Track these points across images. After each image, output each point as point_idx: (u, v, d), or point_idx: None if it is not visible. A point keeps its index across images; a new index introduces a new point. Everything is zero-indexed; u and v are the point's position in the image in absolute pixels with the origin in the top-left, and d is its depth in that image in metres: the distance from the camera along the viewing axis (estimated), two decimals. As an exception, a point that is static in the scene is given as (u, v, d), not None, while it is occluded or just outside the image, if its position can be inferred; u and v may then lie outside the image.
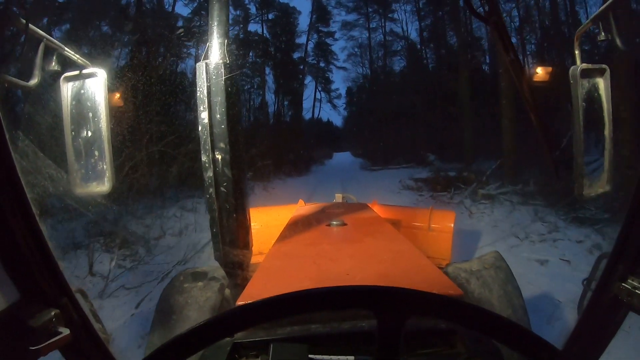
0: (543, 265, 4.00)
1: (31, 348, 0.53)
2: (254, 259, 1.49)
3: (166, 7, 13.43)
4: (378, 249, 1.43)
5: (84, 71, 0.86)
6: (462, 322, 0.48)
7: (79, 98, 0.87)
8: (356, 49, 24.46)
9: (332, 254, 1.34)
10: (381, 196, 5.13)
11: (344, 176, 14.26)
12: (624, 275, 0.70)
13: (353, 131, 28.12)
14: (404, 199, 8.24)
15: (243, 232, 1.30)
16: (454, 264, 1.60)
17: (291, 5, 22.53)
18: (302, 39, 23.50)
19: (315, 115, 26.60)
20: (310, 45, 24.21)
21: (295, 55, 23.32)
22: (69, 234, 4.49)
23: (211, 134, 1.19)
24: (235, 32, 19.34)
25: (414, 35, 21.89)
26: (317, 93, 25.58)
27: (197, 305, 1.33)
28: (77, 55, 0.84)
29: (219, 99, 1.20)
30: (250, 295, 0.94)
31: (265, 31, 21.69)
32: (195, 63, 1.27)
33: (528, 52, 14.79)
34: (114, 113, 0.93)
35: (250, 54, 20.26)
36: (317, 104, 25.74)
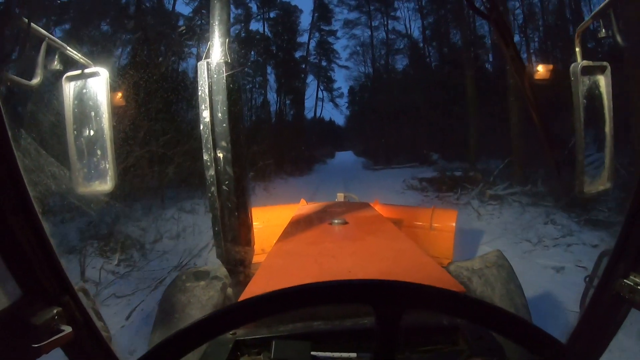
0: (559, 272, 3.77)
1: (33, 346, 0.53)
2: (257, 258, 1.49)
3: (166, 6, 13.46)
4: (380, 247, 1.43)
5: (86, 70, 0.86)
6: (461, 315, 0.48)
7: (81, 97, 0.87)
8: (358, 48, 24.44)
9: (334, 252, 1.34)
10: (385, 197, 4.94)
11: (346, 175, 14.18)
12: (626, 272, 0.70)
13: (355, 130, 28.09)
14: (408, 200, 8.04)
15: (245, 231, 1.30)
16: (456, 263, 1.60)
17: (293, 3, 22.57)
18: (303, 38, 23.52)
19: (318, 115, 26.59)
20: (312, 44, 24.21)
21: (297, 54, 23.35)
22: (63, 238, 4.40)
23: (213, 132, 1.20)
24: (237, 31, 19.36)
25: (416, 33, 21.81)
26: (319, 92, 25.59)
27: (200, 304, 1.33)
28: (79, 55, 0.84)
29: (221, 97, 1.20)
30: (252, 292, 0.95)
31: (266, 30, 21.71)
32: (197, 62, 1.28)
33: (532, 50, 14.72)
34: (116, 112, 0.94)
35: (252, 53, 20.28)
36: (319, 103, 25.74)
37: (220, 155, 1.20)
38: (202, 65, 1.22)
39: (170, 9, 13.51)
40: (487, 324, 0.46)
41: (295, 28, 22.88)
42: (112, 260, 4.25)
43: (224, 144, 1.20)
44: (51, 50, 0.75)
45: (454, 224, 2.53)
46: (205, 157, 1.21)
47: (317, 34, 24.29)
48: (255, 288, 1.00)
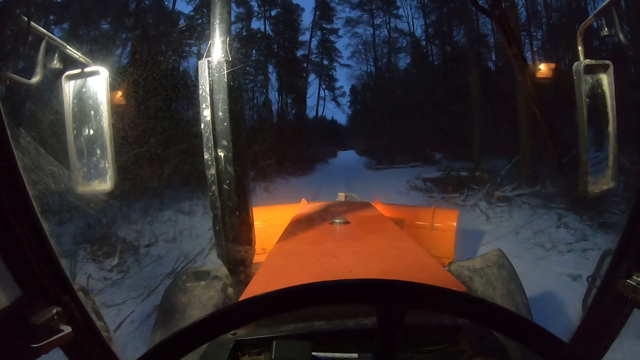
0: (576, 281, 3.53)
1: (33, 345, 0.53)
2: (258, 257, 1.49)
3: (166, 4, 13.43)
4: (381, 246, 1.42)
5: (86, 69, 0.86)
6: (464, 315, 0.47)
7: (80, 96, 0.87)
8: (360, 46, 24.36)
9: (335, 251, 1.34)
10: (388, 198, 4.74)
11: (349, 175, 14.08)
12: (629, 272, 0.69)
13: (357, 129, 28.04)
14: (413, 202, 7.77)
15: (246, 230, 1.30)
16: (457, 262, 1.59)
17: (294, 2, 22.42)
18: (305, 37, 23.47)
19: (319, 114, 26.53)
20: (314, 43, 24.14)
21: (299, 53, 23.30)
22: (55, 241, 4.22)
23: (213, 131, 1.19)
24: (238, 30, 19.33)
25: (419, 31, 21.67)
26: (321, 91, 25.54)
27: (200, 305, 1.33)
28: (79, 54, 0.84)
29: (221, 96, 1.19)
30: (252, 292, 0.94)
31: (268, 28, 21.67)
32: (197, 60, 1.27)
33: (535, 49, 14.60)
34: (116, 111, 0.93)
35: (253, 51, 20.26)
36: (321, 102, 25.67)
37: (221, 154, 1.20)
38: (202, 64, 1.21)
39: (170, 8, 13.48)
40: (490, 324, 0.46)
41: (296, 26, 22.82)
42: (104, 266, 4.12)
43: (224, 142, 1.19)
44: (51, 49, 0.75)
45: (455, 224, 2.53)
46: (206, 156, 1.21)
47: (318, 33, 24.25)
48: (256, 288, 0.99)
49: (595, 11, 0.75)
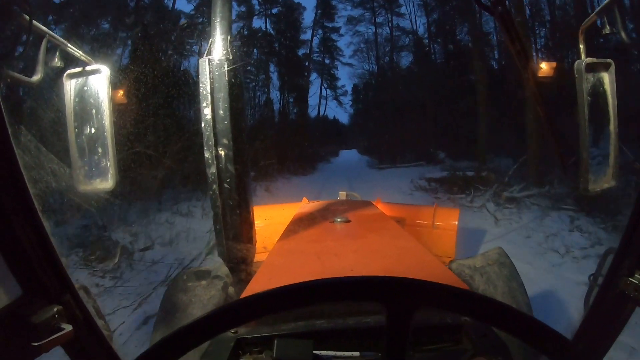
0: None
1: (33, 344, 0.53)
2: (259, 256, 1.49)
3: (166, 3, 13.40)
4: (382, 245, 1.43)
5: (87, 68, 0.86)
6: (471, 314, 0.47)
7: (82, 95, 0.87)
8: (362, 45, 24.30)
9: (336, 250, 1.34)
10: (393, 198, 4.58)
11: (351, 174, 14.01)
12: (631, 270, 0.69)
13: (359, 128, 28.02)
14: (418, 203, 7.45)
15: (247, 228, 1.30)
16: (458, 261, 1.59)
17: (295, 0, 22.42)
18: (306, 35, 23.43)
19: (321, 113, 26.55)
20: (315, 41, 24.11)
21: (300, 52, 23.27)
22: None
23: (214, 130, 1.19)
24: (239, 28, 19.30)
25: (421, 29, 21.61)
26: (323, 90, 25.53)
27: (201, 304, 1.33)
28: (80, 52, 0.84)
29: (222, 94, 1.19)
30: (253, 290, 0.94)
31: (269, 27, 21.64)
32: (198, 59, 1.27)
33: (539, 47, 14.48)
34: (117, 110, 0.93)
35: (255, 50, 20.23)
36: (323, 101, 25.70)
37: (222, 152, 1.20)
38: (203, 63, 1.21)
39: (170, 7, 13.46)
40: (496, 323, 0.45)
41: (298, 25, 22.80)
42: (97, 272, 4.01)
43: (225, 141, 1.19)
44: (52, 47, 0.75)
45: (456, 222, 2.53)
46: (207, 154, 1.21)
47: (320, 31, 24.21)
48: (256, 286, 1.00)
49: (597, 9, 0.74)
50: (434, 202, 7.66)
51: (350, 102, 28.04)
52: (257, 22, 21.45)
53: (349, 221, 1.80)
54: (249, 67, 19.05)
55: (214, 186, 1.22)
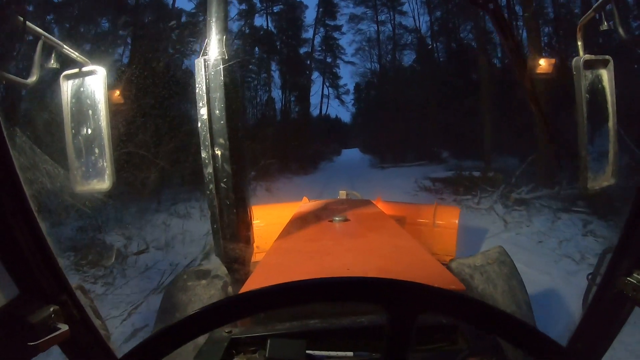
0: None
1: (30, 344, 0.53)
2: (259, 256, 1.49)
3: (167, 1, 13.36)
4: (380, 244, 1.42)
5: (84, 69, 0.86)
6: (471, 321, 0.46)
7: (78, 95, 0.87)
8: (364, 43, 24.18)
9: (334, 249, 1.34)
10: (397, 200, 4.34)
11: (353, 174, 13.92)
12: (629, 270, 0.68)
13: (361, 127, 27.94)
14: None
15: (244, 228, 1.30)
16: (458, 259, 1.59)
17: (297, -1, 22.32)
18: (308, 34, 23.35)
19: (323, 112, 26.48)
20: (317, 40, 24.01)
21: (302, 50, 23.20)
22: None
23: (210, 129, 1.20)
24: (241, 26, 19.27)
25: (424, 28, 21.45)
26: (325, 89, 25.46)
27: (201, 303, 1.34)
28: (76, 53, 0.84)
29: (218, 94, 1.20)
30: (249, 289, 0.94)
31: (270, 25, 21.59)
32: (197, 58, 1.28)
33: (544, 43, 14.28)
34: (114, 110, 0.94)
35: (256, 49, 20.19)
36: (325, 100, 25.61)
37: (218, 152, 1.20)
38: (199, 63, 1.22)
39: (170, 6, 13.39)
40: (495, 332, 0.45)
41: (299, 23, 22.73)
42: (88, 277, 3.89)
43: (221, 141, 1.20)
44: (47, 49, 0.75)
45: (456, 221, 2.52)
46: (203, 154, 1.22)
47: (322, 30, 24.12)
48: (253, 285, 1.00)
49: (595, 5, 0.74)
50: (440, 204, 7.55)
51: (352, 101, 27.97)
52: (259, 21, 21.46)
53: (347, 220, 1.80)
54: (250, 66, 19.04)
55: (211, 186, 1.22)
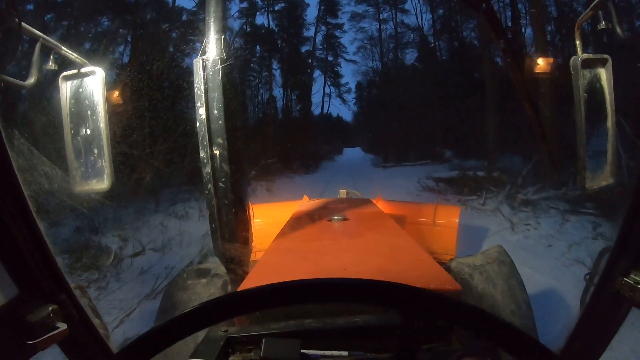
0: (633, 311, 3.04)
1: (29, 343, 0.54)
2: (258, 255, 1.50)
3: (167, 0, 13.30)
4: (377, 243, 1.43)
5: (82, 70, 0.87)
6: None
7: (77, 96, 0.88)
8: (366, 42, 24.07)
9: (331, 248, 1.35)
10: (399, 200, 4.23)
11: (355, 173, 13.82)
12: (626, 270, 0.68)
13: (363, 126, 27.89)
14: None
15: (242, 228, 1.31)
16: (457, 259, 1.59)
17: (298, -4, 22.24)
18: (310, 32, 23.29)
19: (325, 110, 26.41)
20: (319, 38, 23.94)
21: (303, 49, 23.15)
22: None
23: (209, 129, 1.21)
24: (241, 25, 19.23)
25: (426, 26, 21.32)
26: (326, 87, 25.40)
27: (201, 302, 1.34)
28: (74, 54, 0.85)
29: (216, 94, 1.21)
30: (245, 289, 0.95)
31: (272, 23, 21.53)
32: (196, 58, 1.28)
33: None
34: (113, 111, 0.94)
35: (257, 47, 20.15)
36: (327, 98, 25.55)
37: (217, 152, 1.21)
38: (197, 63, 1.22)
39: (171, 4, 13.33)
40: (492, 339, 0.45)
41: (301, 22, 22.66)
42: (81, 281, 3.79)
43: (220, 141, 1.21)
44: (46, 50, 0.76)
45: (457, 220, 2.52)
46: (202, 154, 1.23)
47: (323, 28, 24.03)
48: (249, 285, 1.00)
49: (593, 4, 0.73)
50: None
51: (354, 100, 27.90)
52: (260, 19, 21.41)
53: (346, 219, 1.80)
54: (251, 65, 19.01)
55: (209, 185, 1.23)
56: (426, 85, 17.38)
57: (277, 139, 11.90)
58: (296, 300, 0.47)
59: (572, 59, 0.79)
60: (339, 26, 24.19)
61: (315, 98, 24.12)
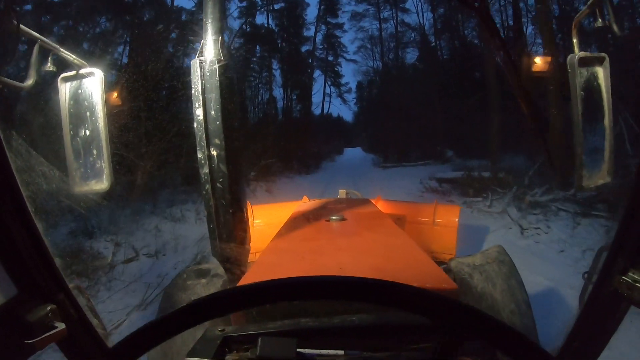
0: None
1: (27, 342, 0.55)
2: (257, 256, 1.50)
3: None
4: (375, 243, 1.43)
5: (81, 71, 0.87)
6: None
7: (76, 98, 0.88)
8: (366, 41, 24.04)
9: (328, 248, 1.35)
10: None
11: (356, 173, 13.79)
12: (624, 268, 0.68)
13: (364, 126, 27.88)
14: None
15: (240, 228, 1.31)
16: (457, 259, 1.59)
17: (298, -5, 22.21)
18: (310, 32, 23.28)
19: (325, 110, 26.44)
20: (319, 38, 23.93)
21: (303, 48, 23.15)
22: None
23: (206, 130, 1.21)
24: (241, 25, 19.20)
25: (427, 25, 21.29)
26: (327, 87, 25.41)
27: None
28: (73, 56, 0.85)
29: (214, 95, 1.21)
30: None
31: (271, 23, 21.52)
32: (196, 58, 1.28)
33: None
34: (112, 112, 0.95)
35: (257, 47, 20.12)
36: (327, 98, 25.58)
37: (214, 152, 1.21)
38: (195, 64, 1.23)
39: (169, 4, 13.30)
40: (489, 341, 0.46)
41: (301, 21, 22.64)
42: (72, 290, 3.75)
43: (217, 141, 1.21)
44: (44, 52, 0.76)
45: (456, 219, 2.52)
46: (199, 155, 1.23)
47: (323, 27, 24.02)
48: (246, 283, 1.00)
49: (590, 2, 0.73)
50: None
51: (355, 100, 27.89)
52: (260, 19, 21.41)
53: (344, 219, 1.81)
54: (251, 65, 19.01)
55: (207, 186, 1.24)
56: (427, 85, 17.33)
57: (277, 139, 11.89)
58: (289, 297, 0.48)
59: (569, 57, 0.79)
60: (339, 25, 24.27)
61: (316, 98, 24.15)
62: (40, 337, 0.56)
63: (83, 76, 0.88)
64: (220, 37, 1.24)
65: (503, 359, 0.70)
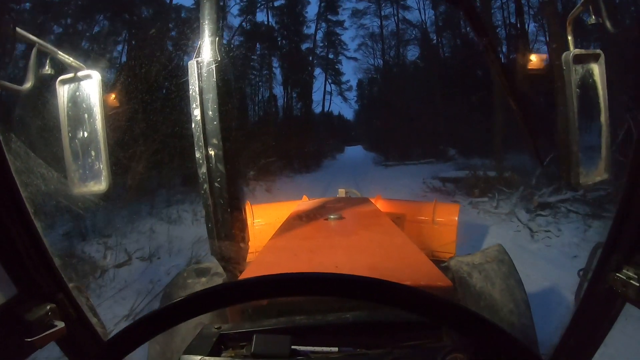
0: None
1: (27, 340, 0.56)
2: (255, 255, 1.52)
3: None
4: (371, 241, 1.44)
5: (79, 73, 0.88)
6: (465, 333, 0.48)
7: (74, 100, 0.89)
8: (367, 39, 23.88)
9: (325, 247, 1.36)
10: None
11: (356, 172, 13.71)
12: (619, 265, 0.68)
13: (364, 124, 27.82)
14: None
15: (239, 227, 1.32)
16: (457, 258, 1.59)
17: (298, -7, 22.10)
18: (310, 30, 23.19)
19: (326, 109, 26.36)
20: (319, 35, 23.83)
21: (304, 46, 23.06)
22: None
23: (204, 130, 1.22)
24: (240, 22, 19.14)
25: (429, 22, 21.15)
26: (327, 85, 25.32)
27: None
28: (71, 58, 0.86)
29: (211, 96, 1.22)
30: None
31: (271, 21, 21.43)
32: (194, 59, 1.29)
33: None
34: (110, 113, 0.95)
35: (257, 45, 20.07)
36: (327, 96, 25.48)
37: (212, 152, 1.23)
38: (192, 64, 1.24)
39: (168, 2, 13.23)
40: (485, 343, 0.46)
41: (301, 19, 22.53)
42: None
43: (215, 141, 1.23)
44: (42, 55, 0.77)
45: (456, 218, 2.51)
46: (197, 154, 1.24)
47: (324, 25, 23.91)
48: None
49: (584, -1, 0.73)
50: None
51: (355, 98, 27.82)
52: (260, 16, 21.33)
53: (342, 218, 1.81)
54: (251, 63, 18.97)
55: (205, 186, 1.25)
56: (428, 83, 17.23)
57: (277, 138, 11.86)
58: (282, 293, 0.48)
59: (563, 54, 0.79)
60: (340, 23, 24.13)
61: (316, 96, 24.12)
62: (40, 336, 0.57)
63: (81, 78, 0.89)
64: (217, 38, 1.25)
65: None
